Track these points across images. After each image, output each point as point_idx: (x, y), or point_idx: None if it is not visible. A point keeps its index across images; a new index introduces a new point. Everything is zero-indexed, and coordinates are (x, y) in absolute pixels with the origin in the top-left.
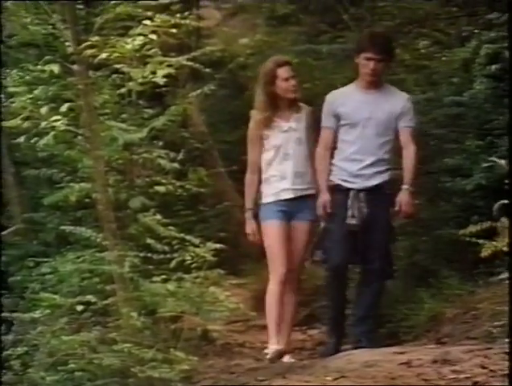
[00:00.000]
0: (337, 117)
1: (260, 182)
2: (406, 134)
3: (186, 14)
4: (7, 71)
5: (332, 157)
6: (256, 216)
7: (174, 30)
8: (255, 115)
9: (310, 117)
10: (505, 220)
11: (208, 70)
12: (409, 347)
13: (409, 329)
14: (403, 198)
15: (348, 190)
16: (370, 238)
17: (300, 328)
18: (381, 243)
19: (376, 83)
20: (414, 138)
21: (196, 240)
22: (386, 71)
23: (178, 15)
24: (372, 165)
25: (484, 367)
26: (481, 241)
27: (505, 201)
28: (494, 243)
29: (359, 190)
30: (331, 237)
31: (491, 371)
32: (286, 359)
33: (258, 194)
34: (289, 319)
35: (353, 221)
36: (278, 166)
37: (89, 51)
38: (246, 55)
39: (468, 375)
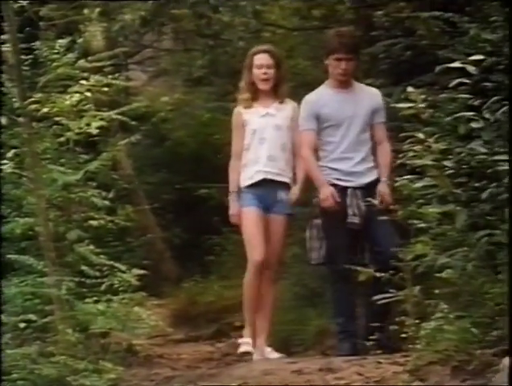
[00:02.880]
0: (319, 119)
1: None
2: (380, 130)
3: (116, 75)
4: None
5: (317, 159)
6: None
7: (106, 89)
8: (238, 99)
9: (295, 111)
10: None
11: (134, 123)
12: (300, 358)
13: (299, 342)
14: (384, 189)
15: (345, 189)
16: (375, 235)
17: (210, 341)
18: (388, 237)
19: (348, 82)
20: (387, 133)
21: (123, 267)
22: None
23: (109, 76)
24: (362, 161)
25: (360, 374)
26: (359, 268)
27: None
28: (369, 270)
29: (355, 188)
30: (332, 238)
31: (366, 377)
32: (271, 353)
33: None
34: (267, 312)
35: (354, 220)
36: (254, 150)
37: (33, 106)
38: (167, 111)
39: (348, 382)
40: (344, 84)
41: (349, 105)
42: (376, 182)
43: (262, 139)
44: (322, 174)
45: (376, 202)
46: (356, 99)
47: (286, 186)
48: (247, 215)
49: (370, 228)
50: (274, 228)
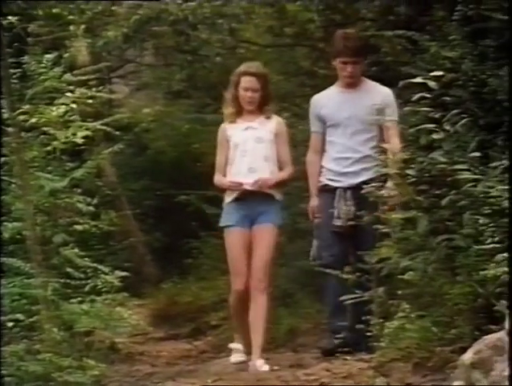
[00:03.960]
0: (322, 120)
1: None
2: (388, 129)
3: (100, 88)
4: None
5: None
6: None
7: (90, 101)
8: (224, 111)
9: (279, 125)
10: None
11: (117, 133)
12: (272, 355)
13: (272, 340)
14: (387, 194)
15: (336, 189)
16: (360, 237)
17: (188, 339)
18: (370, 243)
19: (355, 83)
20: (398, 132)
21: (106, 269)
22: (364, 69)
23: (94, 89)
24: (357, 162)
25: (328, 370)
26: (328, 270)
27: None
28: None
29: (346, 189)
30: (321, 237)
31: (334, 373)
32: (261, 365)
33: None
34: (260, 324)
35: (337, 222)
36: (236, 163)
37: (22, 117)
38: (148, 122)
39: (317, 377)
40: (351, 85)
41: (348, 105)
42: (370, 181)
43: (244, 152)
44: (316, 183)
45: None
46: (357, 99)
47: (270, 198)
48: (230, 238)
49: (358, 232)
50: (260, 237)
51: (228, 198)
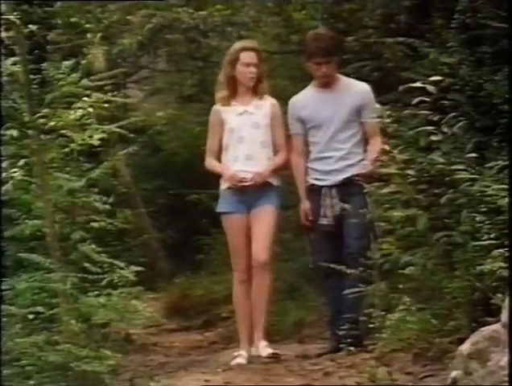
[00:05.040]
0: (302, 122)
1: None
2: (369, 126)
3: (116, 93)
4: None
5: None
6: None
7: (106, 105)
8: (216, 95)
9: (274, 108)
10: None
11: (132, 135)
12: (279, 346)
13: (279, 331)
14: (361, 170)
15: (322, 188)
16: (349, 234)
17: (199, 331)
18: (359, 239)
19: (331, 82)
20: (379, 129)
21: (122, 264)
22: (338, 67)
23: (109, 94)
24: (341, 159)
25: (332, 361)
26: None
27: None
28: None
29: (331, 187)
30: (313, 240)
31: (338, 363)
32: (264, 349)
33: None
34: (261, 305)
35: (324, 221)
36: (232, 149)
37: (41, 120)
38: (161, 125)
39: (321, 367)
40: (327, 84)
41: (328, 105)
42: (354, 176)
43: (241, 138)
44: (304, 186)
45: (346, 206)
46: (336, 98)
47: (267, 185)
48: (229, 224)
49: (343, 229)
50: (259, 217)
51: (224, 184)
